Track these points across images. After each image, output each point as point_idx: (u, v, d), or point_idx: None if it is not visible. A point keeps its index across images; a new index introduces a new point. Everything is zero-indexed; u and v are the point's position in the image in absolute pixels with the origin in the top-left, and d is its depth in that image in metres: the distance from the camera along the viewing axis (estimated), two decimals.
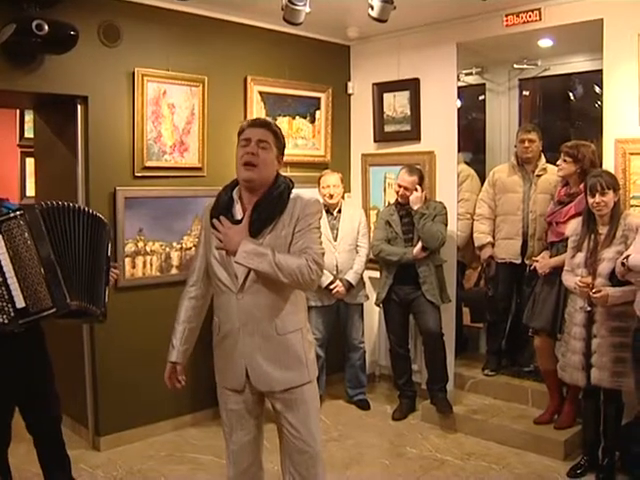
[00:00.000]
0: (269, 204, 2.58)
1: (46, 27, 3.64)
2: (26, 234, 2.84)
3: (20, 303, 2.79)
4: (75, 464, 3.49)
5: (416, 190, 4.71)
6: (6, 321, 2.77)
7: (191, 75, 4.56)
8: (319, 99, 5.41)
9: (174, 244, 4.57)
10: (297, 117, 5.28)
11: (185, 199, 4.58)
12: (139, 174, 4.37)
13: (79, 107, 4.19)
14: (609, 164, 4.18)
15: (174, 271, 4.58)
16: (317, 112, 5.41)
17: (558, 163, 4.30)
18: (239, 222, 2.55)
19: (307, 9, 4.01)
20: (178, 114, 4.52)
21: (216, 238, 2.53)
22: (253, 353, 2.61)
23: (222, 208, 2.63)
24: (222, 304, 2.66)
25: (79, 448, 4.24)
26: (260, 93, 5.01)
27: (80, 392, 4.37)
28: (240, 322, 2.61)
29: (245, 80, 4.91)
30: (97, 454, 4.28)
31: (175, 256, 4.58)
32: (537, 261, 4.44)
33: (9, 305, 2.78)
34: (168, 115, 4.47)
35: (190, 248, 4.64)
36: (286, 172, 4.94)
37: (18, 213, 2.83)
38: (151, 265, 4.46)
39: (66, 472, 3.33)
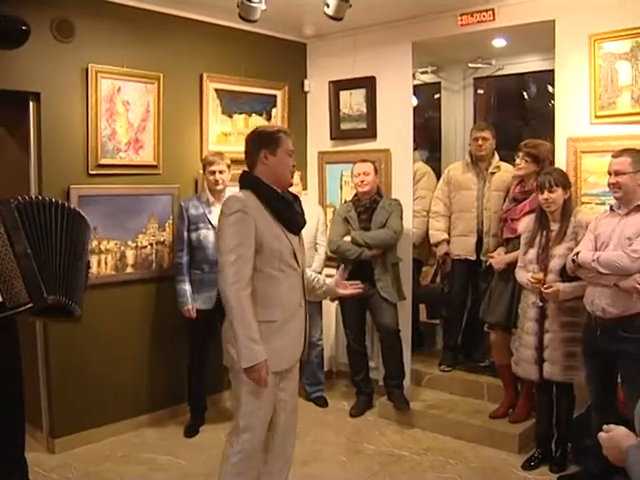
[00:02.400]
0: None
1: None
2: (1, 228, 2.80)
3: None
4: (29, 467, 3.44)
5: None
6: None
7: (146, 72, 4.52)
8: (275, 96, 5.40)
9: (129, 242, 4.52)
10: (253, 114, 5.27)
11: (140, 197, 4.54)
12: (93, 172, 4.31)
13: (31, 104, 4.12)
14: (561, 162, 4.25)
15: (129, 270, 4.54)
16: (273, 110, 5.40)
17: (517, 162, 4.32)
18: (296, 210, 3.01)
19: (263, 6, 4.00)
20: (133, 111, 4.47)
21: None
22: (308, 327, 3.06)
23: (283, 201, 2.95)
24: (288, 288, 2.92)
25: (33, 451, 4.15)
26: (216, 90, 4.99)
27: (34, 393, 4.30)
28: (303, 300, 2.99)
29: (201, 77, 4.89)
30: (52, 457, 4.23)
31: (130, 255, 4.54)
32: (493, 257, 4.49)
33: None
34: (123, 112, 4.42)
35: (146, 246, 4.61)
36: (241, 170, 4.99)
37: None
38: (106, 264, 4.40)
39: (24, 475, 3.29)
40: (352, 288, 3.30)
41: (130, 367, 4.62)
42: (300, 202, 3.10)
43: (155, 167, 4.65)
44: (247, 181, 2.95)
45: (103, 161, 4.35)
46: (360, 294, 3.47)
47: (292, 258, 2.94)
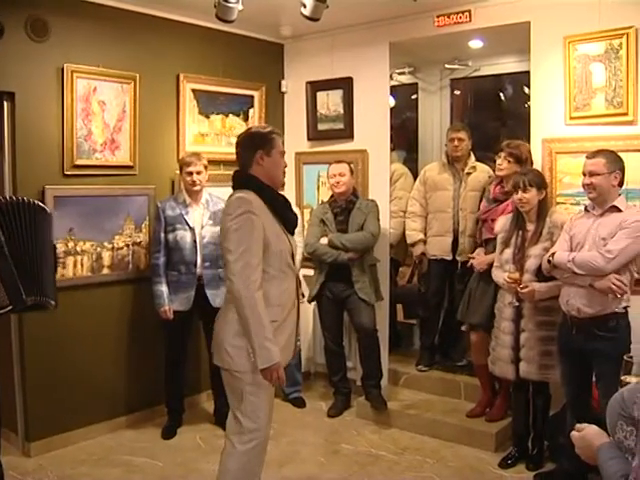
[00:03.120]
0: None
1: None
2: None
3: None
4: (4, 471, 3.38)
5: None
6: None
7: (122, 72, 4.48)
8: (252, 97, 5.39)
9: (105, 244, 4.49)
10: (230, 115, 5.25)
11: (116, 198, 4.51)
12: (69, 172, 4.28)
13: (5, 104, 4.07)
14: (537, 163, 4.28)
15: (105, 271, 4.51)
16: (250, 110, 5.39)
17: (499, 163, 4.30)
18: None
19: (240, 6, 3.98)
20: (109, 111, 4.44)
21: None
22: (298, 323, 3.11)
23: (284, 202, 3.04)
24: (287, 287, 2.97)
25: (8, 454, 4.09)
26: (193, 91, 4.97)
27: (9, 396, 4.24)
28: (296, 300, 3.04)
29: (178, 78, 4.87)
30: (27, 460, 4.18)
31: (107, 256, 4.51)
32: (473, 258, 4.48)
33: None
34: (99, 112, 4.38)
35: (122, 248, 4.58)
36: (219, 170, 4.99)
37: None
38: (82, 265, 4.37)
39: None
40: None
41: (107, 369, 4.59)
42: (290, 203, 3.18)
43: (131, 168, 4.61)
44: (246, 181, 2.95)
45: (79, 161, 4.31)
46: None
47: (290, 258, 3.00)
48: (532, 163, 4.23)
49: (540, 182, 3.86)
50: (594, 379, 3.55)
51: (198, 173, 4.44)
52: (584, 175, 3.47)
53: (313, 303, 5.13)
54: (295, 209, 5.17)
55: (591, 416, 3.36)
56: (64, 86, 4.20)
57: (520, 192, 3.80)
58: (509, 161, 4.23)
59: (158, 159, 4.80)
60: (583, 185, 3.49)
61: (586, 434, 1.88)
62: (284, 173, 3.08)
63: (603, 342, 3.37)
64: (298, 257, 4.98)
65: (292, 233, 3.07)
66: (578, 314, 3.43)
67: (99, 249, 4.47)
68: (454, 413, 4.63)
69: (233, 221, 2.80)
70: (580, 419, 3.38)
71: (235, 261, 2.78)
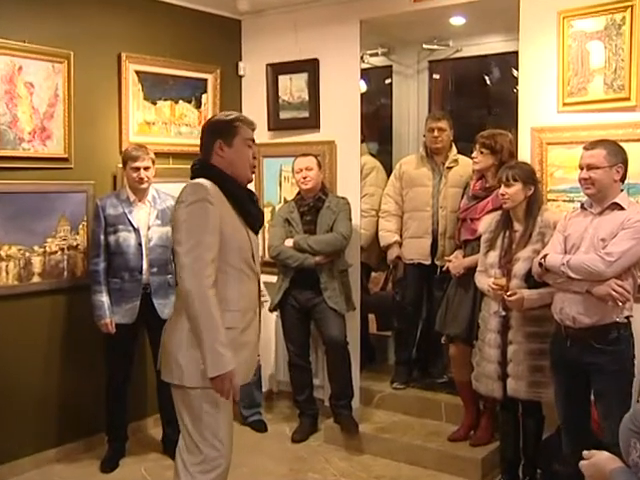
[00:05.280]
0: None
1: None
2: None
3: None
4: None
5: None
6: None
7: (53, 49, 4.36)
8: (206, 81, 5.33)
9: (35, 248, 4.38)
10: (180, 101, 5.19)
11: (48, 195, 4.41)
12: None
13: None
14: (525, 155, 4.26)
15: (36, 279, 4.40)
16: (203, 96, 5.33)
17: (473, 155, 4.33)
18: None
19: None
20: (38, 95, 4.32)
21: None
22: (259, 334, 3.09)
23: (247, 194, 3.02)
24: (247, 292, 2.94)
25: None
26: (137, 73, 4.88)
27: None
28: (258, 307, 3.03)
29: (119, 57, 4.78)
30: None
31: (37, 261, 4.39)
32: (450, 261, 4.48)
33: None
34: (26, 96, 4.27)
35: (56, 252, 4.47)
36: (168, 164, 4.96)
37: None
38: (7, 273, 4.25)
39: None
40: None
41: (34, 393, 4.45)
42: (258, 199, 3.18)
43: (66, 160, 4.51)
44: (204, 169, 2.95)
45: (2, 153, 4.20)
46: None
47: (252, 259, 2.97)
48: (513, 155, 4.24)
49: (527, 176, 3.83)
50: (592, 397, 3.53)
51: (146, 169, 4.39)
52: (581, 169, 3.44)
53: (275, 313, 5.08)
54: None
55: (590, 440, 3.35)
56: None
57: (503, 187, 3.80)
58: (482, 152, 4.25)
59: (97, 151, 4.72)
60: (580, 180, 3.46)
61: (597, 460, 1.87)
62: (253, 166, 3.05)
63: (602, 356, 3.34)
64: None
65: (256, 231, 3.04)
66: (573, 324, 3.40)
67: (28, 254, 4.36)
68: (434, 437, 4.61)
69: (185, 209, 2.77)
70: (577, 443, 3.41)
71: (186, 254, 2.73)
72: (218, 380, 2.70)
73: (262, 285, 5.07)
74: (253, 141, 3.02)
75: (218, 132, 2.95)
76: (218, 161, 2.93)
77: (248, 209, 2.97)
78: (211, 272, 2.74)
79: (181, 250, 2.75)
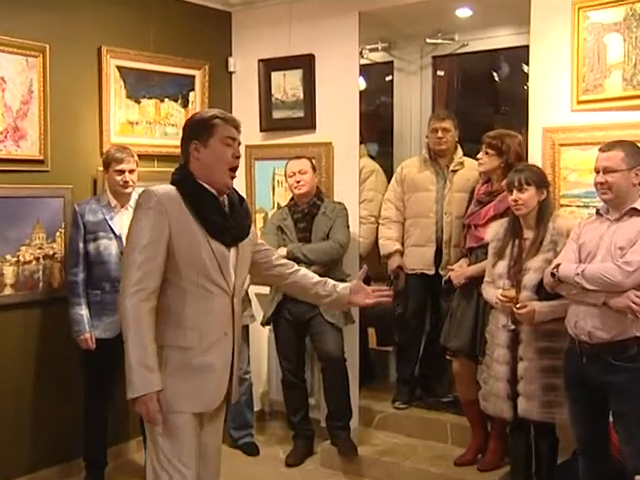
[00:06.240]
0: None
1: None
2: None
3: None
4: None
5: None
6: None
7: (27, 42, 4.32)
8: (193, 78, 5.33)
9: (8, 257, 4.34)
10: (166, 100, 5.18)
11: (22, 200, 4.37)
12: None
13: None
14: (536, 157, 4.26)
15: (8, 291, 4.35)
16: (191, 94, 5.33)
17: (479, 156, 4.33)
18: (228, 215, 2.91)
19: None
20: (10, 91, 4.28)
21: None
22: (237, 361, 2.97)
23: (212, 202, 2.87)
24: (209, 310, 2.83)
25: None
26: (119, 68, 4.85)
27: None
28: (230, 329, 2.91)
29: (99, 51, 4.74)
30: None
31: (10, 272, 4.35)
32: (453, 270, 4.48)
33: None
34: None
35: (30, 261, 4.44)
36: (152, 167, 4.94)
37: None
38: None
39: None
40: (375, 296, 3.16)
41: (5, 415, 4.39)
42: (246, 206, 3.06)
43: (41, 162, 4.48)
44: (174, 175, 2.92)
45: None
46: (387, 302, 3.36)
47: (218, 274, 2.84)
48: (521, 157, 4.23)
49: (540, 180, 3.84)
50: (611, 419, 3.49)
51: (131, 172, 4.37)
52: (597, 172, 3.41)
53: (268, 327, 5.08)
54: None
55: (610, 465, 3.30)
56: None
57: (515, 192, 3.78)
58: (487, 153, 4.26)
59: (76, 153, 4.69)
60: (595, 184, 3.44)
61: None
62: (232, 170, 2.91)
63: (621, 374, 3.30)
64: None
65: (228, 244, 2.90)
66: (589, 339, 3.36)
67: (0, 264, 4.33)
68: (439, 460, 4.59)
69: (134, 217, 2.80)
70: (596, 469, 3.36)
71: (126, 261, 2.77)
72: (137, 402, 2.68)
73: (252, 300, 5.11)
74: (234, 139, 2.90)
75: (194, 132, 2.88)
76: (194, 165, 2.86)
77: (212, 219, 2.85)
78: (147, 284, 2.71)
79: (125, 257, 2.81)
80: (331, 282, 3.20)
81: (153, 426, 2.78)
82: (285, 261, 3.25)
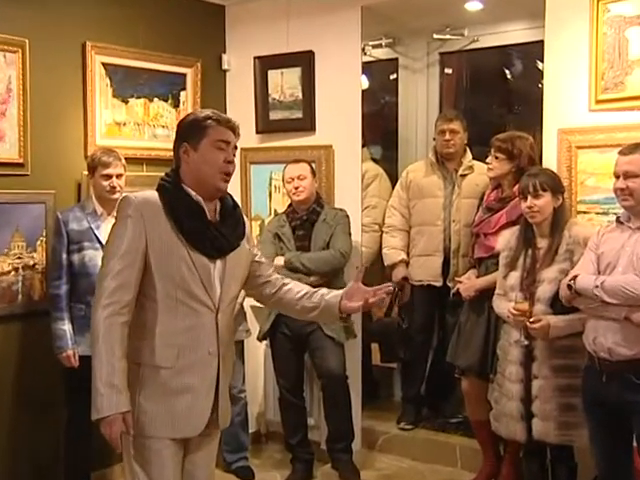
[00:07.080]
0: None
1: None
2: None
3: None
4: None
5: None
6: None
7: (5, 36, 4.28)
8: (184, 76, 5.31)
9: None
10: (155, 99, 5.16)
11: (0, 206, 4.34)
12: None
13: None
14: (551, 160, 4.26)
15: None
16: (182, 93, 5.31)
17: (488, 161, 4.33)
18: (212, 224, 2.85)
19: None
20: None
21: None
22: (224, 383, 2.92)
23: (194, 209, 2.81)
24: (189, 327, 2.79)
25: None
26: (105, 66, 4.83)
27: None
28: (214, 347, 2.85)
29: (84, 47, 4.71)
30: None
31: None
32: (461, 282, 4.46)
33: None
34: None
35: (9, 272, 4.39)
36: (142, 171, 4.93)
37: None
38: None
39: None
40: (377, 294, 2.98)
41: None
42: (240, 214, 3.03)
43: (21, 166, 4.44)
44: (161, 179, 2.89)
45: None
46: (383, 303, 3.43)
47: (200, 288, 2.80)
48: (533, 161, 4.22)
49: (555, 185, 3.84)
50: (635, 443, 3.46)
51: (118, 176, 4.34)
52: (617, 177, 3.39)
53: (265, 342, 5.07)
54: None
55: None
56: None
57: (530, 198, 3.77)
58: (497, 157, 4.26)
59: (59, 156, 4.66)
60: (615, 190, 3.41)
61: None
62: (226, 174, 2.86)
63: None
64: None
65: (213, 257, 2.85)
66: (610, 356, 3.33)
67: None
68: None
69: (112, 225, 2.81)
70: None
71: (100, 269, 2.79)
72: (102, 424, 2.62)
73: (247, 313, 5.07)
74: (228, 143, 2.85)
75: (185, 133, 2.85)
76: (185, 170, 2.83)
77: (192, 229, 2.80)
78: (118, 298, 2.68)
79: (101, 267, 2.81)
80: (321, 292, 3.07)
81: (128, 451, 2.76)
82: (275, 277, 3.15)
